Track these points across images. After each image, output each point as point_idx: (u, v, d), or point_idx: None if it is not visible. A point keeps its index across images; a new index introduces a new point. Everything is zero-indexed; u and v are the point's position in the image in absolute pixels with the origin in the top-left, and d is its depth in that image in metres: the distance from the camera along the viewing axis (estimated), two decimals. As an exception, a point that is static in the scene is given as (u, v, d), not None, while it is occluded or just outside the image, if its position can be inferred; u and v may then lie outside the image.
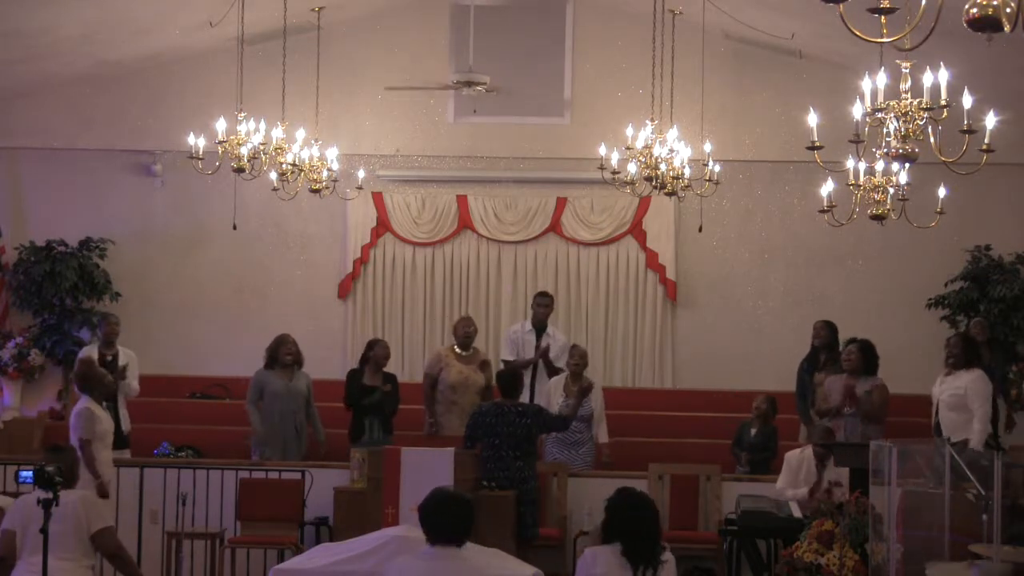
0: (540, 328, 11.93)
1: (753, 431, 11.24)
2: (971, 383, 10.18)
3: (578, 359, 11.27)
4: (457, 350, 11.52)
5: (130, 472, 10.44)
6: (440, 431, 11.23)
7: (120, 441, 10.84)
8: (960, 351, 10.30)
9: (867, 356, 10.70)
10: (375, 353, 11.32)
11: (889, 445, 7.69)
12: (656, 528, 5.78)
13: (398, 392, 11.31)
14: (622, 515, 5.77)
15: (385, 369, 11.39)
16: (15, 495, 8.09)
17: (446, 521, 5.69)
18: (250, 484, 10.48)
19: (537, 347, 11.79)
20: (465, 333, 11.53)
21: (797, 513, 9.42)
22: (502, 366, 11.66)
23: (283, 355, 11.14)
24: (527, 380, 11.64)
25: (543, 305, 12.02)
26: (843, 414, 10.51)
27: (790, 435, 11.55)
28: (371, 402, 11.10)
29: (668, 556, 5.79)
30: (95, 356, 11.43)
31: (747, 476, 10.88)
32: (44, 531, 6.51)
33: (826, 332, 11.51)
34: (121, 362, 11.28)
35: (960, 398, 10.15)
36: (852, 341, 10.98)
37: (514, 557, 8.02)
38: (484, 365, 11.41)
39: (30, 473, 6.77)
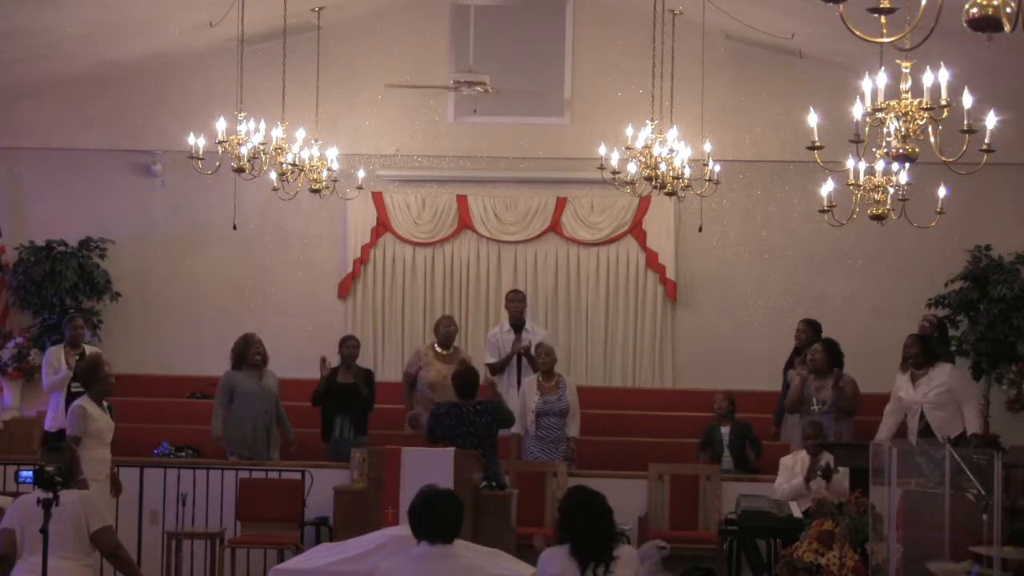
0: (518, 326, 11.93)
1: (726, 430, 11.32)
2: (951, 377, 10.35)
3: (544, 356, 11.27)
4: (438, 349, 11.53)
5: (130, 472, 10.44)
6: (419, 425, 11.25)
7: None
8: (920, 350, 10.39)
9: (832, 354, 10.79)
10: (343, 352, 11.36)
11: (889, 445, 7.71)
12: (604, 525, 5.70)
13: (372, 384, 11.34)
14: (569, 514, 5.75)
15: (362, 365, 11.47)
16: (15, 495, 8.09)
17: (435, 519, 5.67)
18: (250, 484, 10.48)
19: (515, 344, 11.77)
20: (446, 332, 11.56)
21: (797, 513, 9.43)
22: (486, 370, 11.69)
23: (252, 355, 11.13)
24: (513, 379, 11.67)
25: (514, 301, 12.05)
26: (812, 411, 10.57)
27: (764, 435, 11.57)
28: (333, 396, 11.09)
29: (623, 550, 5.72)
30: (62, 356, 11.50)
31: (747, 476, 10.91)
32: (44, 531, 6.52)
33: (808, 333, 11.58)
34: None
35: (945, 394, 10.25)
36: (819, 341, 11.09)
37: (513, 557, 8.01)
38: (464, 364, 11.38)
39: (30, 473, 6.77)
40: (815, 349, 10.91)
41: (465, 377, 10.06)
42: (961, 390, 10.42)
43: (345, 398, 11.18)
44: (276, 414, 11.21)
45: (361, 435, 11.16)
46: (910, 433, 10.22)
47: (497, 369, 11.88)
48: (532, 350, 11.63)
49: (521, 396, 11.27)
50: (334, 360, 11.52)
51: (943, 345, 11.63)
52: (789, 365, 11.72)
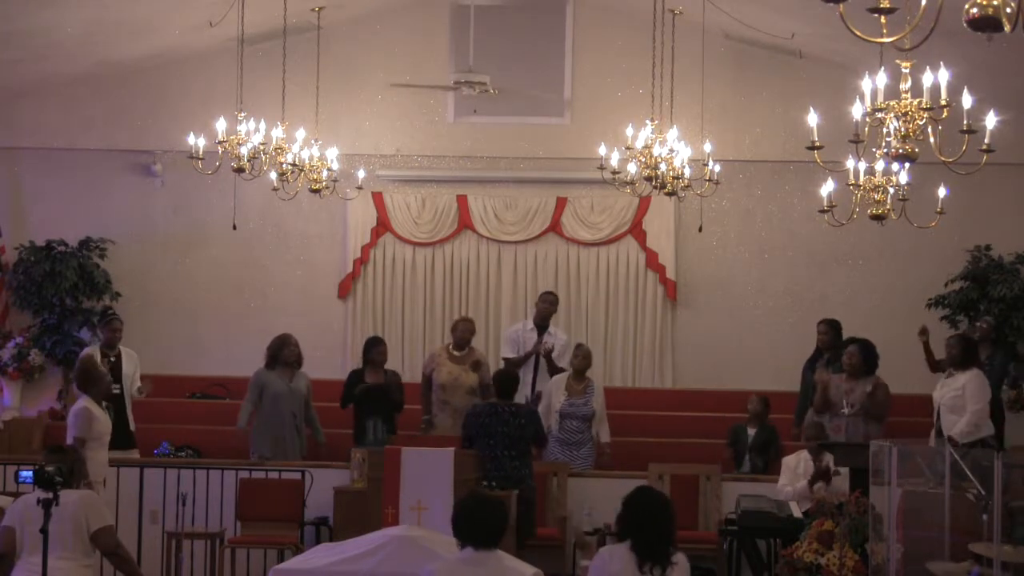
0: (542, 326, 11.98)
1: (752, 432, 11.28)
2: (968, 382, 10.21)
3: (582, 358, 11.28)
4: (452, 350, 11.51)
5: (130, 472, 10.44)
6: (432, 429, 11.24)
7: (127, 441, 10.87)
8: (958, 351, 10.32)
9: (867, 356, 10.73)
10: (372, 357, 11.31)
11: (889, 445, 7.70)
12: (668, 528, 5.76)
13: (400, 387, 11.31)
14: (634, 512, 5.78)
15: (386, 367, 11.44)
16: (15, 495, 8.09)
17: (485, 525, 5.68)
18: (250, 484, 10.48)
19: (536, 344, 11.81)
20: (462, 334, 11.53)
21: (797, 513, 9.43)
22: (502, 364, 11.70)
23: (287, 356, 11.12)
24: (528, 378, 11.70)
25: (548, 303, 12.08)
26: (842, 413, 10.53)
27: (785, 435, 11.55)
28: (366, 398, 11.06)
29: (680, 558, 5.78)
30: (98, 359, 11.45)
31: (748, 476, 10.90)
32: (44, 531, 6.52)
33: (830, 333, 11.54)
34: (124, 363, 11.27)
35: (960, 398, 10.16)
36: (852, 341, 11.00)
37: (514, 557, 8.00)
38: (477, 365, 11.35)
39: (30, 473, 6.77)
40: (851, 352, 10.79)
41: (504, 378, 10.16)
42: (971, 395, 10.22)
43: (377, 400, 11.15)
44: (306, 416, 11.19)
45: (393, 435, 11.12)
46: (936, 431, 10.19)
47: (513, 365, 11.87)
48: (553, 352, 11.67)
49: (547, 394, 11.27)
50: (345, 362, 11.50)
51: (997, 346, 11.65)
52: (811, 365, 11.64)
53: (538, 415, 10.28)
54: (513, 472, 9.58)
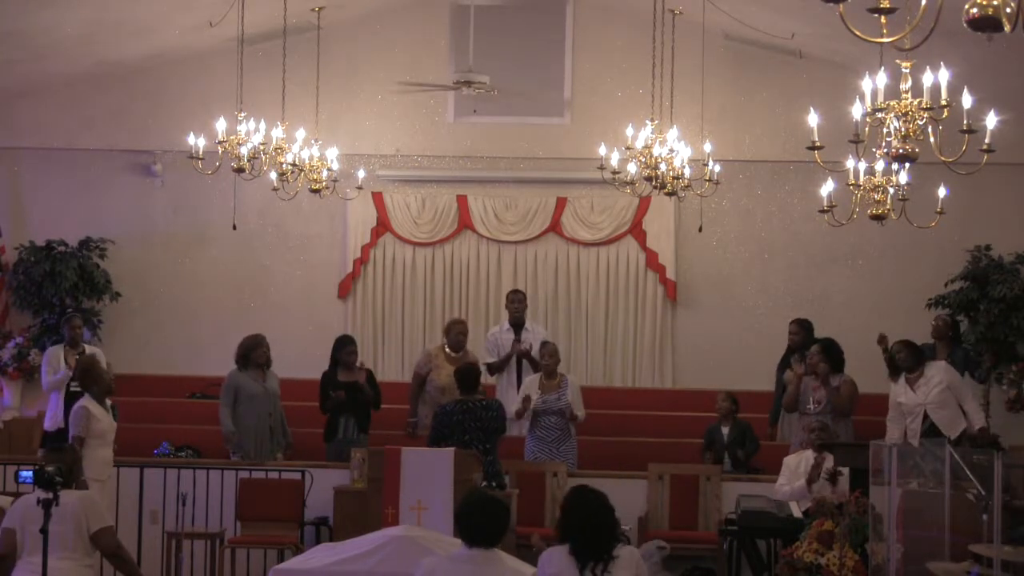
0: (518, 325, 11.96)
1: (726, 430, 11.30)
2: (948, 374, 10.39)
3: (548, 357, 11.25)
4: (448, 351, 11.49)
5: (130, 472, 10.44)
6: (419, 431, 11.22)
7: None
8: (907, 355, 10.41)
9: (831, 355, 10.78)
10: (342, 357, 11.29)
11: (889, 445, 7.71)
12: (605, 524, 5.69)
13: (376, 387, 11.32)
14: (570, 513, 5.74)
15: (366, 367, 11.46)
16: (15, 495, 8.10)
17: (485, 524, 5.67)
18: (250, 484, 10.48)
19: (514, 344, 11.80)
20: (457, 336, 11.51)
21: (797, 513, 9.43)
22: (485, 370, 11.67)
23: (257, 357, 11.10)
24: (512, 378, 11.69)
25: (516, 301, 12.09)
26: (808, 411, 10.58)
27: (759, 435, 11.56)
28: (339, 398, 11.07)
29: (622, 551, 5.70)
30: (61, 356, 11.51)
31: (747, 476, 10.90)
32: (44, 531, 6.52)
33: (801, 334, 11.57)
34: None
35: (945, 392, 10.28)
36: (816, 341, 11.07)
37: (513, 557, 8.00)
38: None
39: (30, 473, 6.77)
40: (814, 351, 10.87)
41: (468, 372, 10.05)
42: (959, 386, 10.45)
43: (351, 398, 11.16)
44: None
45: (364, 434, 11.14)
46: (911, 436, 10.22)
47: (495, 369, 11.89)
48: (532, 350, 11.64)
49: (522, 394, 11.26)
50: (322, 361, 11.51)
51: (957, 343, 11.69)
52: (783, 365, 11.71)
53: (502, 404, 10.26)
54: (488, 467, 9.56)
